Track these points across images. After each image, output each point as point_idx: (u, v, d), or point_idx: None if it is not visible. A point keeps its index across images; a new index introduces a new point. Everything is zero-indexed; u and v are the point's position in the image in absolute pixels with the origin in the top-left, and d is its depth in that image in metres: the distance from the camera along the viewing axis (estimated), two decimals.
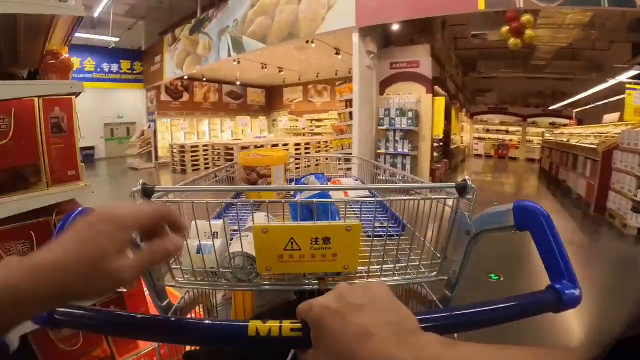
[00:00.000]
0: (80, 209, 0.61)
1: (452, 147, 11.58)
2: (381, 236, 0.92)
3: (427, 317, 0.50)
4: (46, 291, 0.36)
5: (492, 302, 0.51)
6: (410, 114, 7.40)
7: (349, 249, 0.69)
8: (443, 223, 0.82)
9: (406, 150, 7.48)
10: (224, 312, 1.10)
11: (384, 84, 8.08)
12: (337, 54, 10.91)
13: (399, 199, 0.87)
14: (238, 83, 17.12)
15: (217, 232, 0.80)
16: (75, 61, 13.62)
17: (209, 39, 10.62)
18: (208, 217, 0.77)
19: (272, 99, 19.59)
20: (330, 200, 0.85)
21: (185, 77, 14.97)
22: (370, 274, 0.78)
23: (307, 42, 9.13)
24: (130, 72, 14.88)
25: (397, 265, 0.82)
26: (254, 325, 0.46)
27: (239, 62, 11.93)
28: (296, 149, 11.95)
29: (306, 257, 0.68)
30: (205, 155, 12.26)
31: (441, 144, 9.45)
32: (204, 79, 15.96)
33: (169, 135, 15.09)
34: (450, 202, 0.80)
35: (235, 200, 1.07)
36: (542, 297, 0.52)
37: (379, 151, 7.75)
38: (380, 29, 7.60)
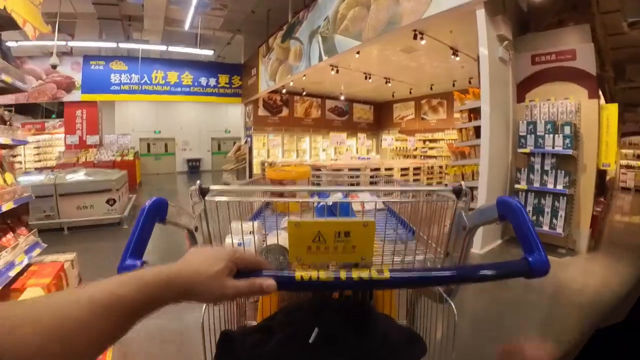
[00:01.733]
0: (155, 198, 0.75)
1: (607, 178, 8.11)
2: (392, 239, 1.19)
3: (442, 273, 0.76)
4: (182, 290, 0.53)
5: (481, 265, 0.67)
6: (566, 130, 4.81)
7: (365, 242, 0.82)
8: (444, 225, 1.03)
9: (560, 188, 4.86)
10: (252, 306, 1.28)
11: (524, 87, 5.61)
12: (454, 54, 8.55)
13: (407, 201, 1.26)
14: (342, 98, 15.56)
15: (253, 231, 0.99)
16: (173, 75, 13.56)
17: (299, 44, 9.20)
18: (251, 213, 1.29)
19: (381, 115, 17.63)
20: (351, 200, 1.29)
21: (284, 91, 13.92)
22: (382, 267, 0.88)
23: (415, 36, 7.07)
24: (228, 85, 14.36)
25: (405, 258, 1.01)
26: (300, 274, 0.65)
27: (337, 71, 10.33)
28: (402, 176, 9.57)
29: (330, 248, 0.80)
30: None
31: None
32: (304, 93, 14.71)
33: (265, 151, 14.14)
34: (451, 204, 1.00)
35: (275, 199, 1.37)
36: (515, 265, 0.67)
37: (517, 186, 5.23)
38: (513, 4, 5.21)
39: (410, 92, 13.96)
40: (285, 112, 14.66)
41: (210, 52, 13.38)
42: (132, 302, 0.47)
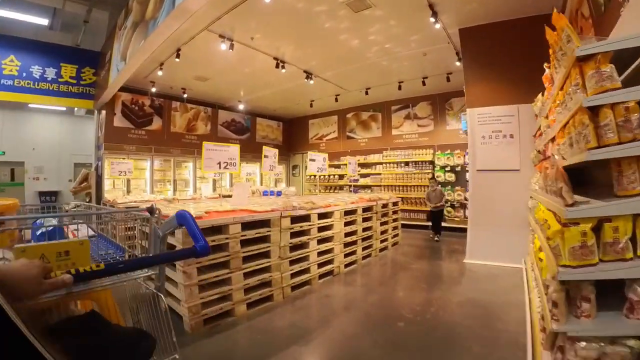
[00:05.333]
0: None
1: None
2: (107, 258, 1.56)
3: (140, 259, 1.20)
4: (11, 288, 0.71)
5: (166, 253, 1.09)
6: None
7: (83, 258, 1.03)
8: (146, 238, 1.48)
9: None
10: None
11: None
12: (434, 15, 5.03)
13: (113, 220, 1.72)
14: (241, 107, 11.40)
15: None
16: None
17: None
18: None
19: (293, 135, 13.81)
20: (67, 224, 1.74)
21: (154, 90, 9.35)
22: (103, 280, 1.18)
23: None
24: (74, 81, 9.28)
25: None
26: None
27: (232, 46, 6.28)
28: (347, 224, 5.31)
29: (54, 267, 0.89)
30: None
31: None
32: (185, 96, 10.20)
33: (122, 182, 9.27)
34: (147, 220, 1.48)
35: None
36: (187, 250, 1.04)
37: None
38: None
39: (337, 100, 10.29)
40: (157, 123, 9.96)
41: (44, 22, 8.36)
42: None
